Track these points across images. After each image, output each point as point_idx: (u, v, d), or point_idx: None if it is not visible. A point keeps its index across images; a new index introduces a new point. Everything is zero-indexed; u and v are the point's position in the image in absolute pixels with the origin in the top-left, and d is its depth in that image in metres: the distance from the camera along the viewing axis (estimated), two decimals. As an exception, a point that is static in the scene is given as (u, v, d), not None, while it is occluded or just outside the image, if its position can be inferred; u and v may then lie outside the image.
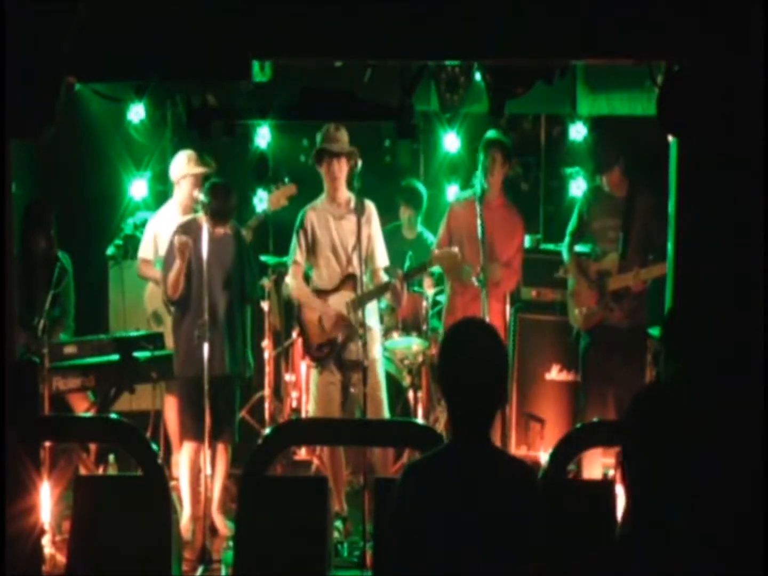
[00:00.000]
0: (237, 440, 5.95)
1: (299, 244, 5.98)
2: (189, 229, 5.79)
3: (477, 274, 5.97)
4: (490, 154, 6.24)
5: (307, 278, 6.06)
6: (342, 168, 5.85)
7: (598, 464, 6.03)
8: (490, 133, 6.38)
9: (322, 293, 5.98)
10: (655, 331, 6.02)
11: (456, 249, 5.94)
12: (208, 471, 5.60)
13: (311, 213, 5.99)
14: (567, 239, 6.33)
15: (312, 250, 5.98)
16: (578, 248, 6.33)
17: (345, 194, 5.98)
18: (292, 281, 6.06)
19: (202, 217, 5.64)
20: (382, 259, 6.04)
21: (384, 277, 5.98)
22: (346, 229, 5.89)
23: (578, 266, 6.22)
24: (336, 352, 5.91)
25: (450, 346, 3.01)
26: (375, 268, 6.00)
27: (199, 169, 6.39)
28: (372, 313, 5.97)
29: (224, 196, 5.70)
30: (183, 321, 5.83)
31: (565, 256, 6.33)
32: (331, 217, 5.95)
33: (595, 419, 5.90)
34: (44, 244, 6.14)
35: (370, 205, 6.01)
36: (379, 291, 5.96)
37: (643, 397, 2.81)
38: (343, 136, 5.84)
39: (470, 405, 2.92)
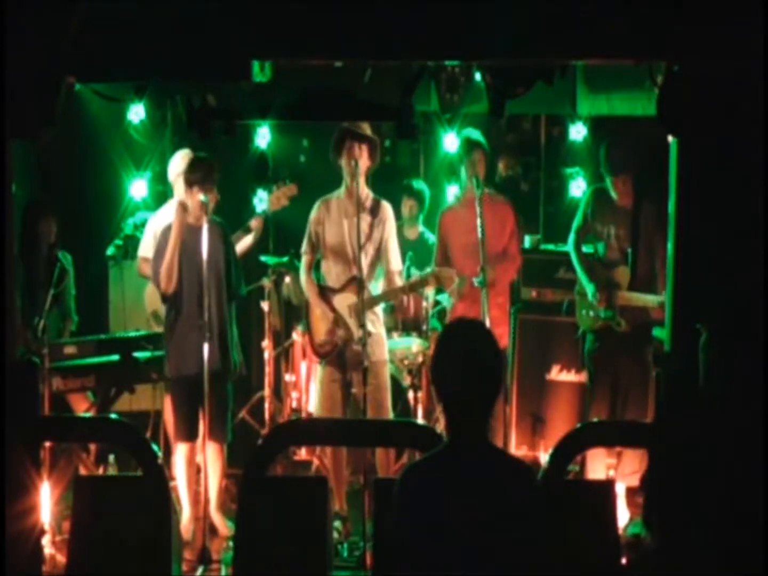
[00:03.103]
0: (230, 439, 5.93)
1: (309, 237, 6.00)
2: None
3: (476, 274, 5.95)
4: (472, 154, 6.26)
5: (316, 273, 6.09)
6: (363, 155, 5.77)
7: (601, 464, 6.01)
8: (469, 133, 6.40)
9: (329, 290, 5.98)
10: (657, 332, 6.02)
11: (453, 271, 5.89)
12: (208, 471, 5.60)
13: (325, 206, 5.97)
14: (572, 236, 6.29)
15: (322, 243, 5.97)
16: (583, 248, 6.32)
17: (364, 189, 5.91)
18: (301, 274, 6.09)
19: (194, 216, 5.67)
20: (395, 262, 5.96)
21: (398, 281, 5.93)
22: (358, 228, 5.76)
23: (587, 269, 6.20)
24: (338, 350, 5.91)
25: (443, 347, 3.02)
26: (389, 270, 5.93)
27: None
28: (378, 317, 5.95)
29: (206, 166, 5.76)
30: (177, 320, 5.80)
31: (573, 254, 6.29)
32: (344, 213, 5.89)
33: (595, 419, 5.92)
34: (48, 234, 6.14)
35: (387, 206, 5.98)
36: (381, 298, 5.92)
37: (677, 404, 2.80)
38: (366, 126, 5.79)
39: (464, 405, 2.92)
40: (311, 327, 6.04)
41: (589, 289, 6.10)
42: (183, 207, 5.73)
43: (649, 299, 5.92)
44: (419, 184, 7.40)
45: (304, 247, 6.04)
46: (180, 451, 5.86)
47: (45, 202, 6.52)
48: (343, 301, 5.90)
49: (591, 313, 6.10)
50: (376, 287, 5.94)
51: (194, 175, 5.71)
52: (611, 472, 6.10)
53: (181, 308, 5.77)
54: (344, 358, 5.88)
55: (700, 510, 2.64)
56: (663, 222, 5.21)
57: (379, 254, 5.92)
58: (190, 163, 5.82)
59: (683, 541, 2.64)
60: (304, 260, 6.06)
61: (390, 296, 5.95)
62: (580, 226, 6.27)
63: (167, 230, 5.80)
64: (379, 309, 5.99)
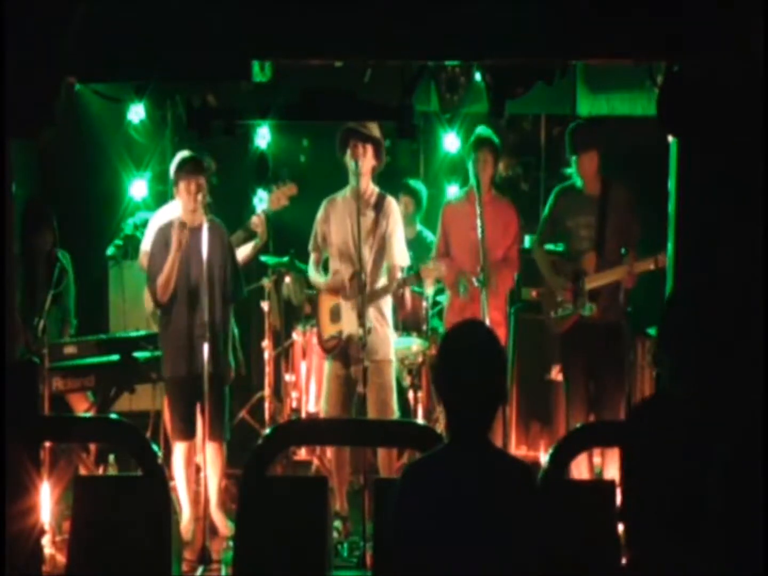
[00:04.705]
0: (228, 437, 5.91)
1: (315, 235, 6.04)
2: (172, 227, 5.75)
3: (476, 274, 5.94)
4: (480, 152, 6.21)
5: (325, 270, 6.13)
6: (367, 154, 5.77)
7: (584, 465, 5.96)
8: (481, 131, 6.34)
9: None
10: (654, 331, 6.01)
11: (443, 266, 5.89)
12: (207, 471, 5.60)
13: (331, 205, 5.98)
14: (535, 237, 6.28)
15: (328, 242, 5.99)
16: (551, 247, 6.29)
17: (369, 187, 5.91)
18: (309, 270, 6.19)
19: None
20: (400, 257, 5.92)
21: (399, 276, 5.92)
22: (362, 225, 5.74)
23: (552, 267, 6.17)
24: (342, 346, 5.91)
25: (447, 349, 3.02)
26: (392, 265, 5.90)
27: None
28: (384, 316, 5.94)
29: (193, 162, 5.77)
30: (170, 322, 5.80)
31: (535, 255, 6.27)
32: (349, 212, 5.87)
33: (573, 421, 5.89)
34: (44, 244, 6.15)
35: (391, 201, 5.96)
36: (380, 293, 5.91)
37: (647, 406, 2.81)
38: (374, 126, 5.78)
39: (466, 407, 2.92)
40: (319, 322, 6.10)
41: (555, 284, 6.08)
42: (183, 225, 5.69)
43: (616, 270, 5.87)
44: (416, 183, 7.39)
45: (311, 245, 6.08)
46: (177, 452, 5.86)
47: (44, 202, 6.51)
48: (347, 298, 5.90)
49: (559, 312, 6.05)
50: (383, 283, 5.94)
51: (179, 172, 5.71)
52: (598, 470, 6.07)
53: (173, 309, 5.77)
54: (347, 354, 5.88)
55: (695, 514, 2.64)
56: (634, 204, 5.41)
57: (383, 250, 5.91)
58: (182, 162, 5.80)
59: (677, 547, 2.64)
60: (312, 257, 6.12)
61: (386, 291, 5.94)
62: (543, 228, 6.23)
63: (163, 230, 5.79)
64: (387, 308, 5.98)
